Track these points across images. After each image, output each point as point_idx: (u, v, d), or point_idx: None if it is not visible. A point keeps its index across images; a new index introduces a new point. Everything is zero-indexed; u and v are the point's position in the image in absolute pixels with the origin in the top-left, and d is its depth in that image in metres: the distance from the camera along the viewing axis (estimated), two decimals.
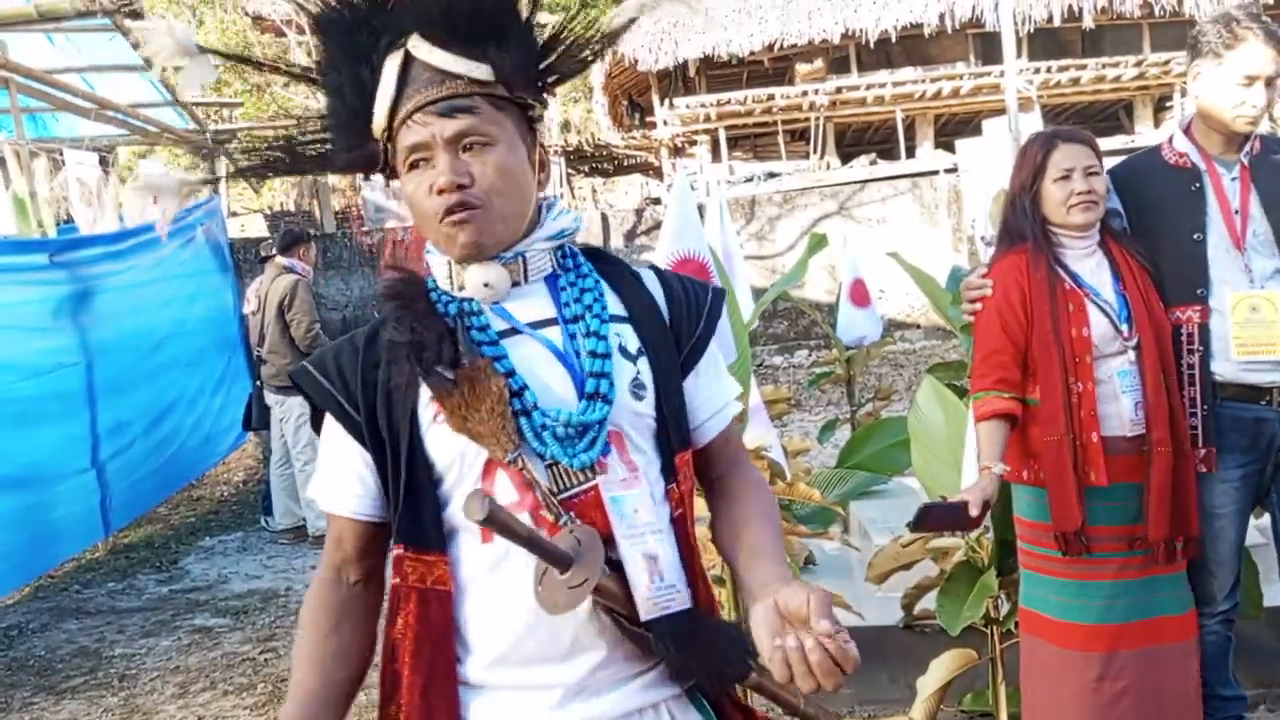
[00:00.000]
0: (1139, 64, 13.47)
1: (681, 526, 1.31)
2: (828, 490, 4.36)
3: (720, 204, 4.35)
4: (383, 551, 1.35)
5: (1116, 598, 2.41)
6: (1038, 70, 13.48)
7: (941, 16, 13.23)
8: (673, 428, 1.33)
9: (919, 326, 11.83)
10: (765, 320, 12.08)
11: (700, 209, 3.70)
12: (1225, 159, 2.50)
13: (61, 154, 7.73)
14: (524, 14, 1.30)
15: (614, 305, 1.34)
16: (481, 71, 1.26)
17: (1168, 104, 14.28)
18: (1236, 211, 2.46)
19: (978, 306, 2.54)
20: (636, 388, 1.30)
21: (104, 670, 4.56)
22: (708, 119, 14.46)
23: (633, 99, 16.72)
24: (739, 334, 3.31)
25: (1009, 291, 2.47)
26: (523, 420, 1.22)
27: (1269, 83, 2.39)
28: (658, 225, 11.54)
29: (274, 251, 6.68)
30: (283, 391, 6.35)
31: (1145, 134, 13.72)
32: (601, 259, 1.42)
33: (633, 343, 1.33)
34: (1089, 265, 2.48)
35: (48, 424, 5.74)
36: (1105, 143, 2.64)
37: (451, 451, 1.24)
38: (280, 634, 4.80)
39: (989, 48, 13.13)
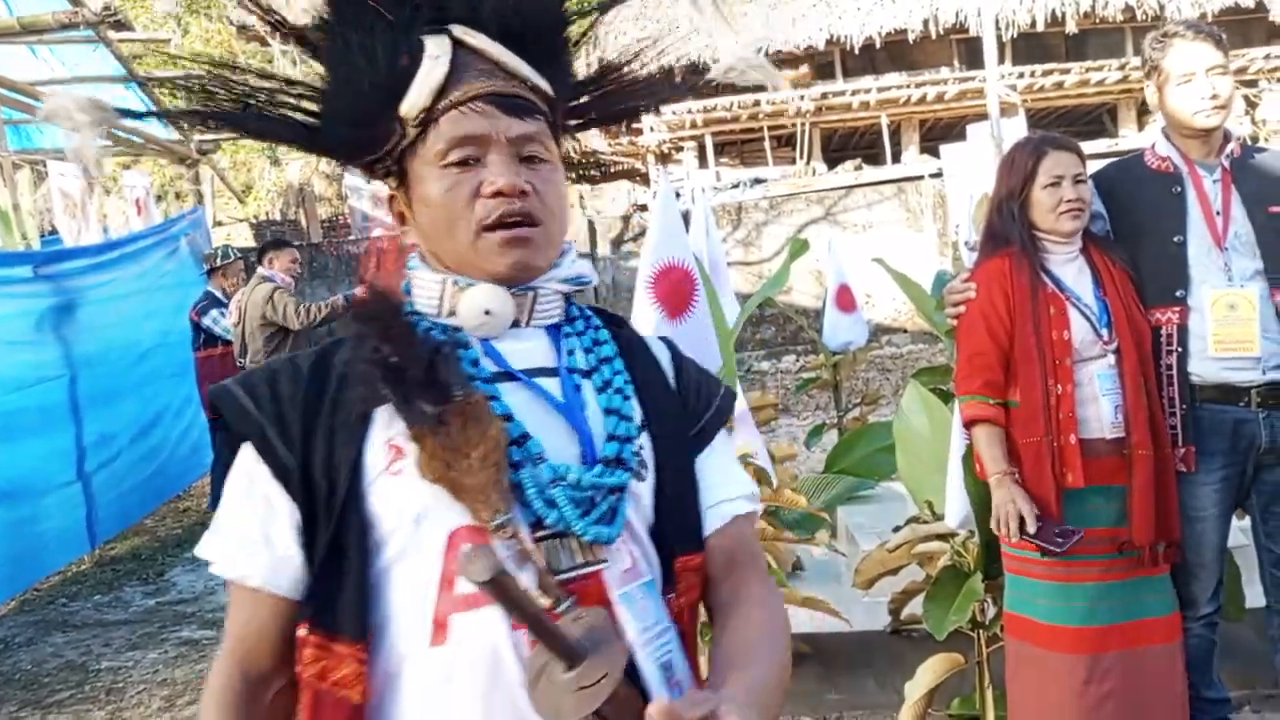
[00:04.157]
0: (1122, 68, 13.55)
1: (681, 644, 1.08)
2: (814, 496, 4.37)
3: (705, 210, 4.36)
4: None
5: (1101, 600, 2.42)
6: (1021, 75, 13.55)
7: (926, 22, 13.31)
8: (673, 522, 1.10)
9: (905, 331, 11.87)
10: (752, 326, 12.11)
11: (686, 216, 3.71)
12: (1207, 162, 2.53)
13: (45, 165, 7.71)
14: (570, 42, 1.17)
15: None
16: (544, 83, 1.11)
17: (1150, 109, 14.36)
18: (1218, 213, 2.48)
19: (961, 310, 2.57)
20: (639, 465, 1.09)
21: (91, 683, 4.54)
22: (694, 125, 14.50)
23: None
24: (724, 340, 3.32)
25: (993, 294, 2.49)
26: (525, 473, 0.99)
27: (1216, 72, 2.44)
28: (644, 232, 11.56)
29: (218, 264, 6.96)
30: None
31: (1129, 137, 13.80)
32: (610, 320, 1.22)
33: (636, 413, 1.12)
34: (1071, 270, 2.50)
35: (32, 437, 5.72)
36: (1089, 146, 2.67)
37: (406, 510, 0.98)
38: None
39: (973, 53, 13.20)
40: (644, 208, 14.63)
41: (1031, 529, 2.33)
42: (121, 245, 7.17)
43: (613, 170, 18.48)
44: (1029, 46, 14.21)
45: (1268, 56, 13.29)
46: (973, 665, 2.88)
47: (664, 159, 15.46)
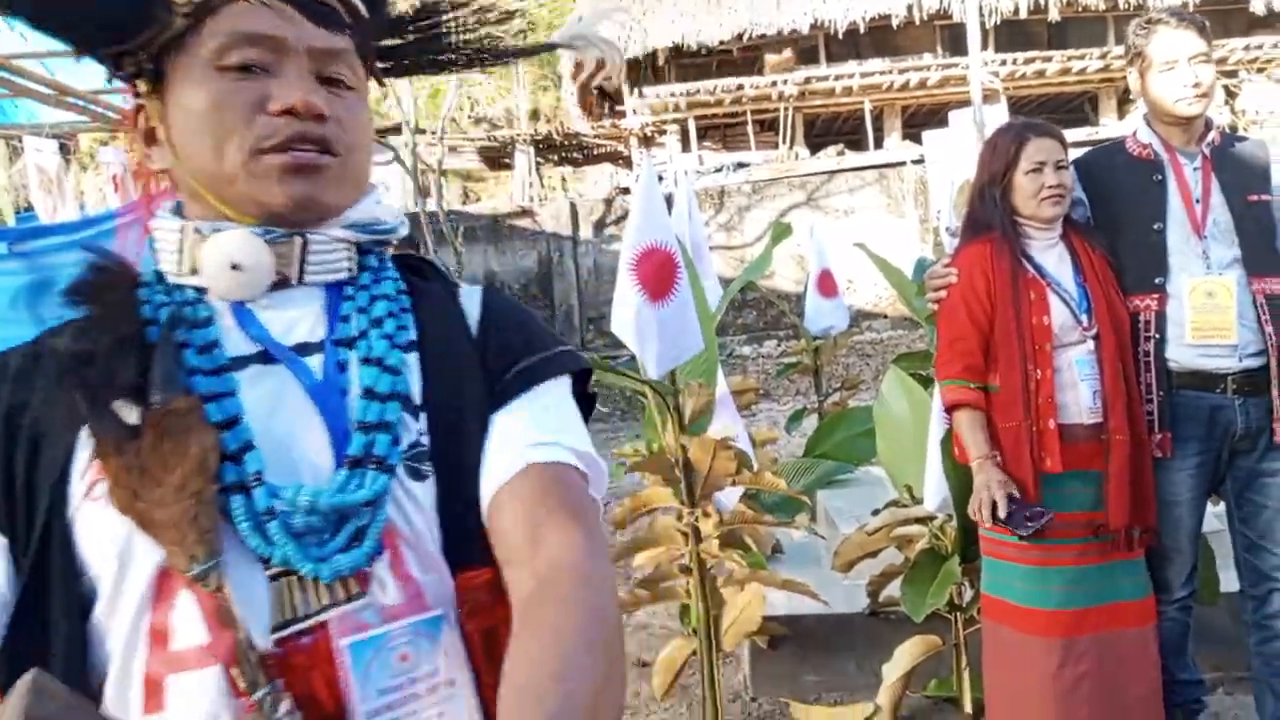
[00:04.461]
0: (1104, 56, 13.61)
1: (479, 688, 0.83)
2: (795, 479, 4.39)
3: (688, 194, 4.35)
4: None
5: (1077, 583, 2.44)
6: (1004, 62, 13.60)
7: (909, 8, 13.33)
8: (454, 527, 0.85)
9: (886, 317, 11.92)
10: (734, 310, 12.13)
11: (668, 199, 3.70)
12: (1187, 150, 2.55)
13: (21, 141, 7.62)
14: None
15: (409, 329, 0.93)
16: (358, 2, 0.91)
17: (1132, 97, 14.45)
18: (1197, 200, 2.50)
19: (943, 295, 2.58)
20: (416, 459, 0.84)
21: None
22: (677, 109, 14.47)
23: (602, 88, 16.69)
24: (706, 324, 3.32)
25: (974, 279, 2.50)
26: (235, 501, 0.77)
27: (1198, 60, 2.46)
28: (626, 215, 11.56)
29: None
30: None
31: (1109, 126, 13.88)
32: (421, 272, 0.99)
33: (415, 385, 0.88)
34: (1052, 257, 2.51)
35: None
36: (1070, 134, 2.69)
37: (108, 546, 0.76)
38: None
39: (956, 39, 13.23)
40: (626, 191, 14.62)
41: (1002, 514, 2.35)
42: (98, 223, 7.10)
43: (595, 153, 18.43)
44: (1011, 34, 14.25)
45: (1247, 47, 13.38)
46: (950, 647, 2.91)
47: (647, 142, 15.43)
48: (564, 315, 13.65)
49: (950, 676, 3.01)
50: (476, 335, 0.92)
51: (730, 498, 3.22)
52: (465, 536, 0.84)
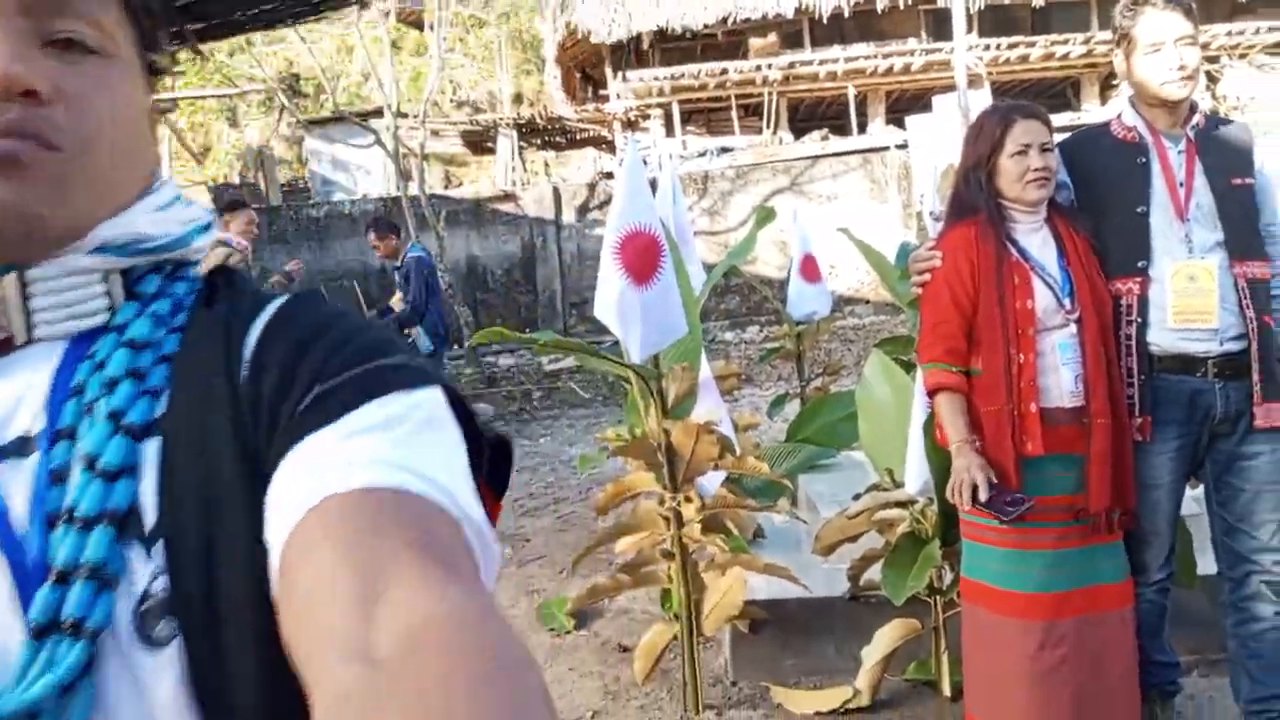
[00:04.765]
0: (1087, 42, 13.64)
1: None
2: (776, 464, 4.39)
3: (672, 178, 4.33)
4: None
5: (1057, 567, 2.45)
6: (988, 47, 13.60)
7: None
8: (218, 711, 0.55)
9: (868, 302, 11.95)
10: (717, 296, 12.13)
11: (652, 184, 3.68)
12: (1171, 133, 2.54)
13: None
14: None
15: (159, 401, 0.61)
16: None
17: (1114, 82, 14.51)
18: (1181, 184, 2.50)
19: (926, 278, 2.57)
20: (147, 617, 0.55)
21: None
22: (661, 93, 14.42)
23: (585, 71, 16.62)
24: (690, 309, 3.31)
25: (958, 263, 2.49)
26: None
27: (1184, 43, 2.45)
28: (609, 199, 11.53)
29: None
30: None
31: (1092, 111, 13.92)
32: (212, 293, 0.69)
33: (151, 494, 0.58)
34: (1036, 240, 2.51)
35: None
36: (1053, 120, 2.69)
37: None
38: None
39: (940, 24, 13.23)
40: (610, 175, 14.59)
41: (983, 497, 2.35)
42: None
43: (578, 137, 18.36)
44: (995, 18, 14.26)
45: (1229, 33, 13.43)
46: (929, 631, 2.92)
47: (630, 126, 15.38)
48: (547, 300, 13.62)
49: (929, 659, 3.02)
50: (245, 382, 0.61)
51: (712, 482, 3.21)
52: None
